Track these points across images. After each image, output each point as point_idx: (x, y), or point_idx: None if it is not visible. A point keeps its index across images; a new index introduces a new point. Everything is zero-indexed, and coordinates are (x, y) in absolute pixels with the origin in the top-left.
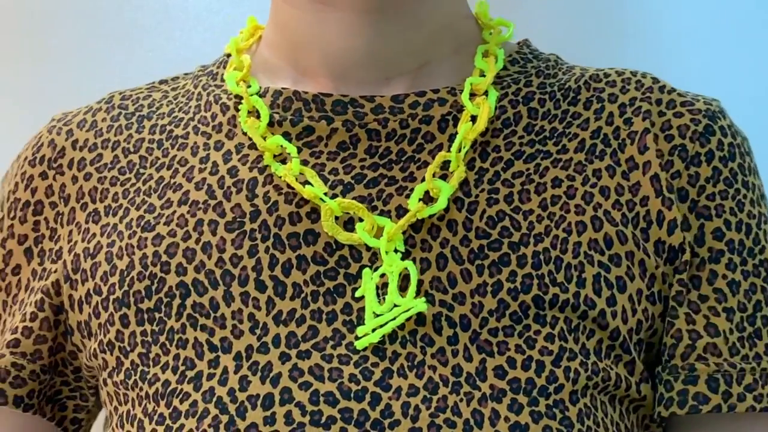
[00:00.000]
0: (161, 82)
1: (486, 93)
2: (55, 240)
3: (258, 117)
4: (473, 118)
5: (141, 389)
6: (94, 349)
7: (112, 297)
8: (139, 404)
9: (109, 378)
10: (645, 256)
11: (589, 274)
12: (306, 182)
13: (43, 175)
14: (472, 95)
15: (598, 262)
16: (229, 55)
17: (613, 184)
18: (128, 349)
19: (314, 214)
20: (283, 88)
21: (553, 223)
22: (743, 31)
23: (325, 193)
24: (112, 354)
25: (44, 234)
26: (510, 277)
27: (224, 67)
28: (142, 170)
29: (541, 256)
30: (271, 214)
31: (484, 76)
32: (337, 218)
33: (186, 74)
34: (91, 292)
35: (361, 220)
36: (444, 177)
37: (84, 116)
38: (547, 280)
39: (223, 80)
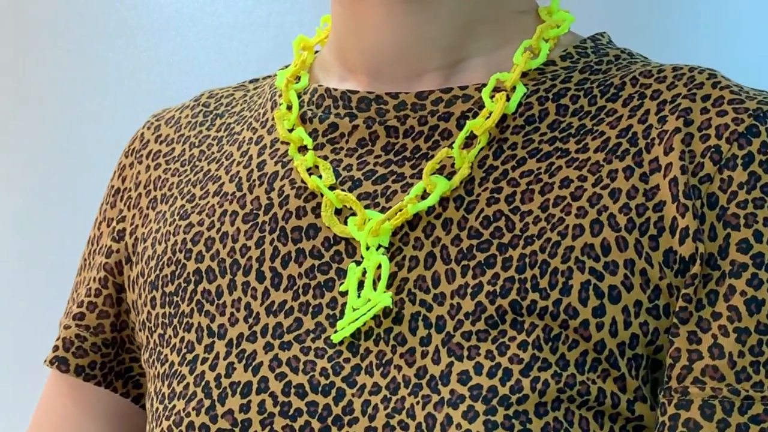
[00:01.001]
0: (251, 81)
1: (515, 89)
2: (119, 220)
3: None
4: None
5: (156, 369)
6: (134, 327)
7: (148, 280)
8: (152, 383)
9: (141, 356)
10: (647, 265)
11: (576, 281)
12: (317, 175)
13: (131, 165)
14: (500, 91)
15: (589, 269)
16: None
17: (627, 187)
18: (153, 329)
19: (318, 209)
20: (318, 86)
21: (549, 226)
22: None
23: (331, 186)
24: (143, 333)
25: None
26: (492, 279)
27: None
28: (198, 163)
29: (527, 260)
30: (281, 208)
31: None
32: (339, 212)
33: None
34: (139, 274)
35: (355, 214)
36: (453, 174)
37: (174, 113)
38: (528, 284)
39: None
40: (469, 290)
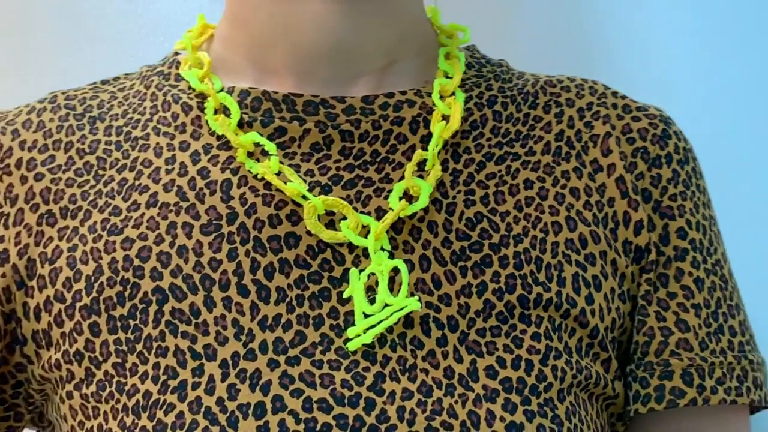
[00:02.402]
0: (103, 82)
1: (453, 95)
2: None
3: (227, 115)
4: (444, 119)
5: (118, 401)
6: (56, 360)
7: (78, 304)
8: (114, 417)
9: (76, 390)
10: (616, 255)
11: (568, 273)
12: (286, 181)
13: None
14: (441, 97)
15: (575, 262)
16: (177, 53)
17: (582, 185)
18: (100, 359)
19: (294, 216)
20: (251, 88)
21: (530, 224)
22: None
23: (307, 190)
24: (80, 365)
25: None
26: (494, 277)
27: (176, 67)
28: (101, 171)
29: (522, 257)
30: (249, 217)
31: (449, 77)
32: (318, 218)
33: (127, 74)
34: (52, 299)
35: (344, 218)
36: (421, 177)
37: (28, 116)
38: (529, 279)
39: (177, 80)
40: (474, 289)
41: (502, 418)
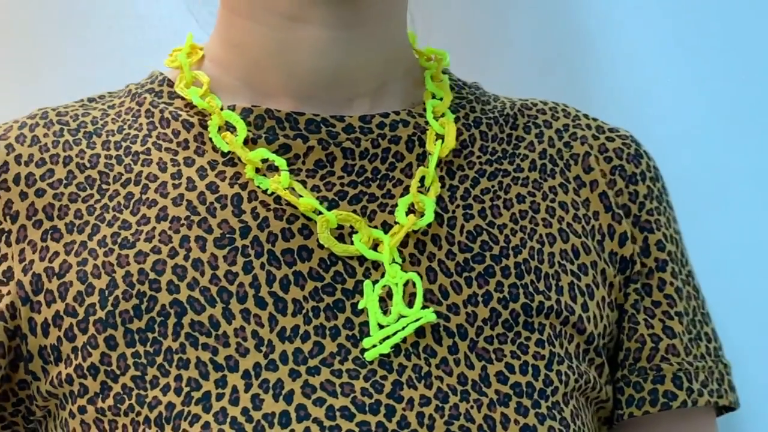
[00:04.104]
0: (90, 100)
1: (443, 115)
2: None
3: (231, 132)
4: (439, 138)
5: (138, 414)
6: (68, 375)
7: (92, 318)
8: (135, 430)
9: (90, 404)
10: (605, 265)
11: (564, 282)
12: (298, 196)
13: None
14: (435, 117)
15: (570, 271)
16: (161, 72)
17: (569, 200)
18: (117, 372)
19: (306, 230)
20: (253, 106)
21: (526, 236)
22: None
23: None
24: (95, 379)
25: None
26: (497, 287)
27: (167, 85)
28: (104, 186)
29: (523, 267)
30: (262, 230)
31: (437, 98)
32: (329, 232)
33: (111, 93)
34: (62, 313)
35: (355, 232)
36: (421, 193)
37: (20, 131)
38: (531, 288)
39: (171, 97)
40: (480, 299)
41: (516, 421)
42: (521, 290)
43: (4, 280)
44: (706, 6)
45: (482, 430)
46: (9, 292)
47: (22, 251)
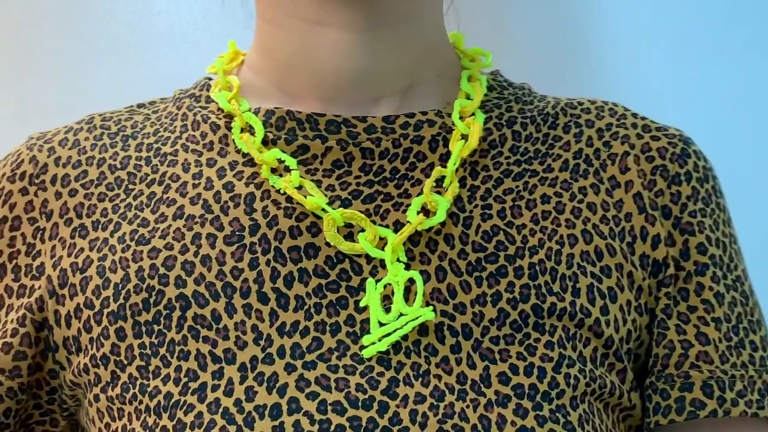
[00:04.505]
0: (139, 105)
1: (473, 115)
2: (33, 256)
3: (252, 134)
4: (463, 138)
5: (141, 402)
6: (85, 364)
7: (106, 310)
8: (137, 418)
9: (102, 393)
10: (633, 268)
11: (582, 284)
12: (306, 195)
13: (24, 191)
14: (461, 117)
15: (590, 273)
16: (209, 78)
17: (599, 201)
18: (125, 362)
19: (314, 228)
20: (276, 108)
21: (546, 236)
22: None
23: (327, 204)
24: (106, 368)
25: (20, 249)
26: (508, 287)
27: (207, 90)
28: (131, 186)
29: (537, 267)
30: (270, 228)
31: (469, 99)
32: (337, 230)
33: (163, 99)
34: (82, 306)
35: (362, 230)
36: (439, 193)
37: (65, 135)
38: (544, 290)
39: (207, 102)
40: (489, 298)
41: (513, 423)
42: (533, 291)
43: (37, 275)
44: (706, 6)
45: (476, 430)
46: (40, 287)
47: (53, 248)
